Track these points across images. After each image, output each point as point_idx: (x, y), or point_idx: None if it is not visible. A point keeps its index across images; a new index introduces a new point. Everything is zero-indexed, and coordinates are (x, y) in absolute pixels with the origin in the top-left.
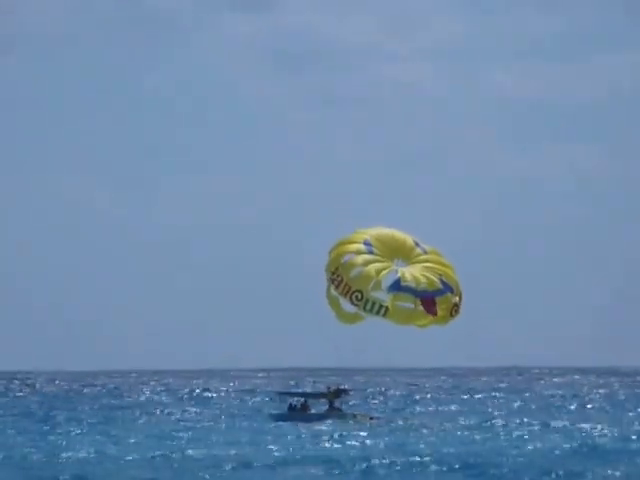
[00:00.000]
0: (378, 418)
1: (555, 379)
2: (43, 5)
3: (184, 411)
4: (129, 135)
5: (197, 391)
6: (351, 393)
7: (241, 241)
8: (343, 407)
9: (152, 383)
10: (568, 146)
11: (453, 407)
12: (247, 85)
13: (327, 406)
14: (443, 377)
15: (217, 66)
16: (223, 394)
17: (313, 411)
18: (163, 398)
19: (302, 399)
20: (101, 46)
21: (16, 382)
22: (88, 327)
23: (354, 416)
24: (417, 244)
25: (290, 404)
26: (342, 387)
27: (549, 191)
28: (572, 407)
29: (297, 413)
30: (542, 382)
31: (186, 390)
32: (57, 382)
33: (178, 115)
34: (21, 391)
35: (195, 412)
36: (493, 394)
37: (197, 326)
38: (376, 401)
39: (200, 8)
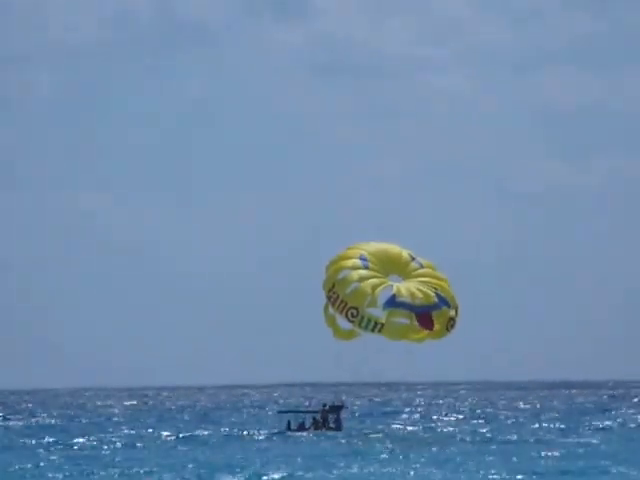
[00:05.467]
0: (369, 435)
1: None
2: (74, 17)
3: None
4: (160, 148)
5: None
6: (347, 408)
7: (267, 255)
8: (338, 424)
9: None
10: (611, 156)
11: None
12: (284, 96)
13: (322, 423)
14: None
15: (253, 77)
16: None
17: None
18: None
19: (300, 419)
20: (135, 58)
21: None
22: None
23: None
24: (413, 258)
25: (288, 422)
26: (338, 404)
27: (591, 201)
28: None
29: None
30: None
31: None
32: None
33: (213, 126)
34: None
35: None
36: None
37: (202, 344)
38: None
39: (236, 18)
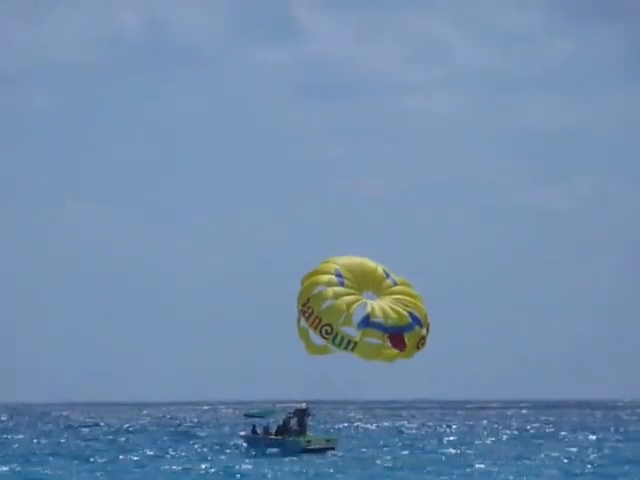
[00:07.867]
0: (335, 440)
1: None
2: (69, 35)
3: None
4: (153, 166)
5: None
6: (313, 413)
7: (246, 272)
8: (302, 427)
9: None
10: (589, 176)
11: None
12: (271, 114)
13: (285, 426)
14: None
15: (242, 96)
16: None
17: (273, 435)
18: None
19: (265, 423)
20: (128, 77)
21: None
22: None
23: (308, 442)
24: (387, 275)
25: (254, 427)
26: (301, 407)
27: (572, 220)
28: None
29: (259, 437)
30: None
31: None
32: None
33: (202, 145)
34: None
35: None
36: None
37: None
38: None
39: (226, 40)
